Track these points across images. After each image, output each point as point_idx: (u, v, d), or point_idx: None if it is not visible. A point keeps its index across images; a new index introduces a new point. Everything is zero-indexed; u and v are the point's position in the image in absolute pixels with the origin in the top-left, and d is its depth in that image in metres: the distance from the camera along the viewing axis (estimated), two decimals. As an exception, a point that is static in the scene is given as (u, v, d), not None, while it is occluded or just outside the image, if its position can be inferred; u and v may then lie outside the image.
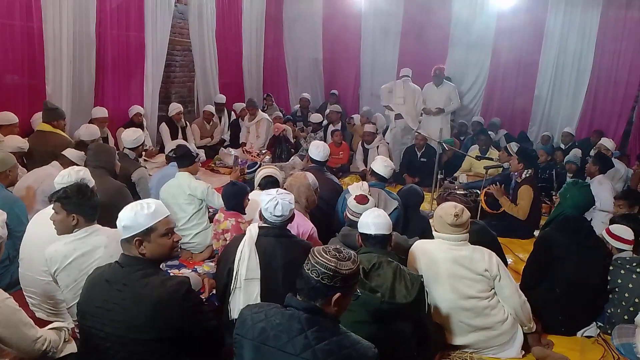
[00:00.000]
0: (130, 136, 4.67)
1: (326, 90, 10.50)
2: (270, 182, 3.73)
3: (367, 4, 9.83)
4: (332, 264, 1.76)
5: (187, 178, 4.02)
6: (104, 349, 2.01)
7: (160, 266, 2.23)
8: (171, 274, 2.79)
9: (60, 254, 2.55)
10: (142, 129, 6.20)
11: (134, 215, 2.05)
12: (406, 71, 8.02)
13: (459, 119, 9.10)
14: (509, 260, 4.31)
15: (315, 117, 8.32)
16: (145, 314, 1.95)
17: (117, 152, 4.42)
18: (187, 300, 2.03)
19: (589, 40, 8.36)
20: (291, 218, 2.76)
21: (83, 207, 2.61)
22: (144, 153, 5.98)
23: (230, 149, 7.34)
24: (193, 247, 4.04)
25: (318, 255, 1.79)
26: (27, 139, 4.52)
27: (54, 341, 2.26)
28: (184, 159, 4.11)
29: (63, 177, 3.07)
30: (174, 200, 3.98)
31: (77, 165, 3.72)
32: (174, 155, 4.17)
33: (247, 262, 2.55)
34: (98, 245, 2.59)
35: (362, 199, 3.20)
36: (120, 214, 2.08)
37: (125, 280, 2.02)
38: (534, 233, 5.02)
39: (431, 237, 3.08)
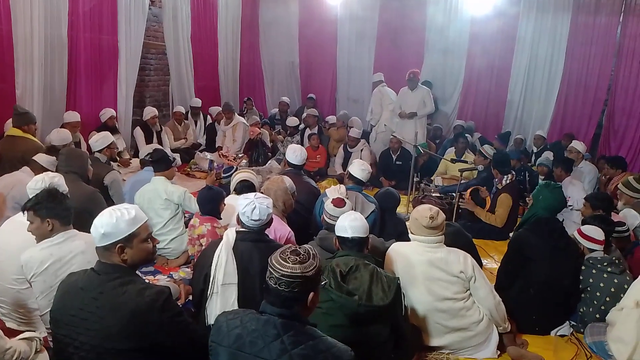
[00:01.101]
0: (95, 140, 4.67)
1: (303, 94, 10.51)
2: (246, 187, 3.71)
3: (342, 8, 9.88)
4: (298, 271, 1.73)
5: (163, 183, 3.97)
6: (78, 359, 1.96)
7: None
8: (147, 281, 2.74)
9: (37, 260, 2.51)
10: (116, 133, 6.11)
11: (115, 222, 1.99)
12: (379, 76, 8.12)
13: (435, 122, 9.20)
14: (484, 262, 4.37)
15: (292, 121, 8.33)
16: (121, 323, 1.90)
17: (89, 156, 4.35)
18: (165, 311, 1.96)
19: (560, 45, 8.54)
20: (269, 222, 2.75)
21: (56, 210, 2.59)
22: (118, 159, 5.89)
23: (207, 153, 7.29)
24: (168, 252, 3.99)
25: (279, 267, 1.75)
26: (-4, 144, 4.42)
27: (25, 352, 2.20)
28: (160, 163, 4.07)
29: (37, 182, 2.99)
30: (150, 205, 3.93)
31: (48, 170, 3.65)
32: (150, 160, 4.11)
33: (224, 267, 2.53)
34: (75, 251, 2.55)
35: (339, 202, 3.21)
36: (97, 221, 2.00)
37: (102, 289, 1.96)
38: (509, 235, 5.08)
39: (408, 239, 3.10)
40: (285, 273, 1.73)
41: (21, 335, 2.32)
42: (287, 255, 1.78)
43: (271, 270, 1.77)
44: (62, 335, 2.00)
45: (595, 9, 8.22)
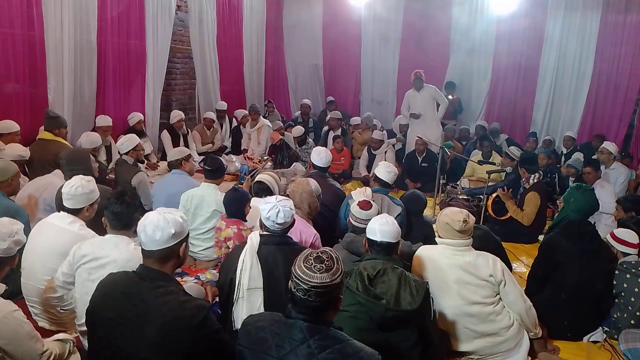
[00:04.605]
0: (121, 143, 4.75)
1: (326, 96, 10.50)
2: (261, 189, 3.74)
3: (366, 10, 9.85)
4: (327, 280, 1.70)
5: (214, 192, 3.95)
6: None
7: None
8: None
9: (80, 254, 2.58)
10: (143, 136, 6.20)
11: (182, 221, 2.03)
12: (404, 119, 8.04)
13: (462, 124, 9.10)
14: (514, 266, 4.29)
15: (297, 131, 7.68)
16: (158, 334, 1.85)
17: (91, 155, 4.42)
18: (204, 327, 1.91)
19: (589, 44, 8.37)
20: (292, 224, 2.74)
21: (109, 211, 2.63)
22: (146, 162, 5.96)
23: (232, 156, 7.33)
24: (198, 257, 4.00)
25: (307, 278, 1.70)
26: (28, 147, 4.52)
27: (59, 354, 2.24)
28: (216, 172, 4.07)
29: (71, 187, 3.00)
30: (196, 211, 3.93)
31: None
32: (207, 168, 4.10)
33: (249, 272, 2.52)
34: (110, 258, 2.54)
35: (365, 205, 3.18)
36: (162, 224, 1.97)
37: (143, 296, 1.91)
38: (538, 238, 5.01)
39: (434, 242, 3.06)
40: (314, 284, 1.69)
41: (55, 337, 2.37)
42: (312, 263, 1.73)
43: (298, 281, 1.72)
44: (98, 338, 1.98)
45: (625, 7, 8.03)
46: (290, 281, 1.77)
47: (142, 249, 2.00)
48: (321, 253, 1.78)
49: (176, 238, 2.00)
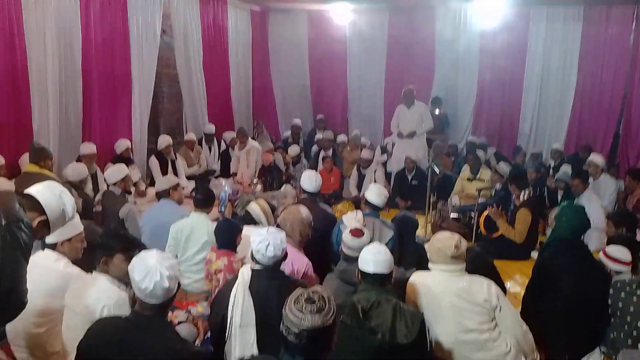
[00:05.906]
0: (109, 173, 4.72)
1: (314, 115, 10.51)
2: (250, 219, 3.77)
3: (351, 28, 9.94)
4: (319, 323, 1.66)
5: (204, 221, 3.90)
6: None
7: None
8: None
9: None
10: (131, 163, 6.13)
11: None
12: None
13: (450, 139, 9.13)
14: (507, 285, 4.26)
15: (293, 150, 8.11)
16: None
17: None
18: None
19: (572, 56, 8.48)
20: (284, 257, 2.70)
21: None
22: (133, 190, 5.87)
23: (222, 180, 7.27)
24: (189, 290, 3.93)
25: (298, 321, 1.66)
26: (13, 180, 4.44)
27: None
28: (206, 201, 4.03)
29: None
30: (187, 243, 3.85)
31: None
32: (198, 197, 4.04)
33: (241, 307, 2.48)
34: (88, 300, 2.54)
35: (357, 233, 3.15)
36: (158, 287, 1.95)
37: (140, 344, 1.90)
38: (531, 254, 4.99)
39: (427, 263, 3.03)
40: (306, 326, 1.66)
41: None
42: (302, 305, 1.69)
43: (289, 325, 1.69)
44: None
45: (606, 16, 8.16)
46: (281, 324, 1.73)
47: (141, 301, 1.98)
48: (312, 294, 1.74)
49: (175, 283, 2.01)
